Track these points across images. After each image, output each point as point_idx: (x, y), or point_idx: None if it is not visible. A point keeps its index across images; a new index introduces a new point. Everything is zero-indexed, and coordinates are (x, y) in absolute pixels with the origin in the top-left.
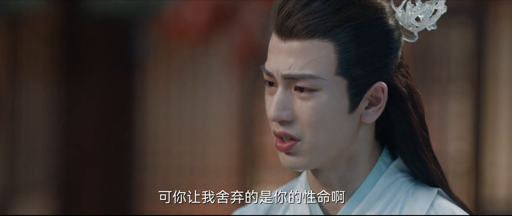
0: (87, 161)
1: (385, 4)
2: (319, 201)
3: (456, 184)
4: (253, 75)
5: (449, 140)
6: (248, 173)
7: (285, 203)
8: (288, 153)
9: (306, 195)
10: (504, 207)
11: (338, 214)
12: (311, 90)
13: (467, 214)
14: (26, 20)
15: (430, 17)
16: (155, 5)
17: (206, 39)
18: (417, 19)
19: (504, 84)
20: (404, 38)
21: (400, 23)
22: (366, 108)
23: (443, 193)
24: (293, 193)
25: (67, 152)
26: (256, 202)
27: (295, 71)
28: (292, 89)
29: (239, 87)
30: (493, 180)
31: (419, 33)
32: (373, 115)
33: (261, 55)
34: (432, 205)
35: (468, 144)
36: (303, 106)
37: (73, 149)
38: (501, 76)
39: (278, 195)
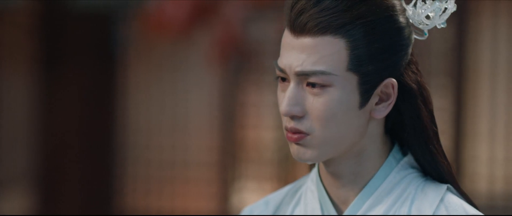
0: (68, 155)
1: (396, 2)
2: (329, 195)
3: None
4: (234, 69)
5: None
6: (229, 167)
7: (295, 199)
8: (298, 144)
9: (318, 190)
10: (485, 201)
11: (348, 207)
12: (322, 86)
13: (477, 210)
14: (7, 13)
15: (440, 15)
16: (136, 0)
17: (187, 34)
18: (427, 17)
19: (485, 78)
20: (414, 36)
21: (410, 20)
22: (377, 104)
23: (453, 189)
24: (303, 189)
25: (47, 146)
26: (266, 199)
27: (307, 67)
28: (304, 85)
29: (220, 81)
30: (474, 174)
31: None
32: (383, 110)
33: (242, 50)
34: (442, 200)
35: (449, 138)
36: (314, 102)
37: (53, 143)
38: (481, 70)
39: (288, 191)
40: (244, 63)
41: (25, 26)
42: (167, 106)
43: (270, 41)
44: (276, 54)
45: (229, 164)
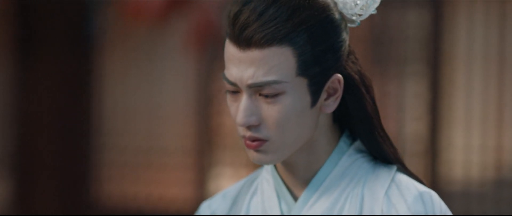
0: (43, 141)
1: (329, 1)
2: (285, 182)
3: (413, 164)
4: (210, 55)
5: (406, 120)
6: (205, 153)
7: (252, 189)
8: (257, 151)
9: (273, 179)
10: (460, 187)
11: (303, 192)
12: (275, 95)
13: (426, 187)
14: None
15: (371, 4)
16: None
17: (164, 20)
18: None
19: (461, 64)
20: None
21: (343, 13)
22: (325, 99)
23: (402, 169)
24: (259, 179)
25: (22, 131)
26: (223, 192)
27: (259, 79)
28: (257, 95)
29: (196, 67)
30: (450, 160)
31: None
32: (332, 105)
33: (219, 36)
34: (393, 180)
35: (425, 124)
36: (269, 110)
37: (28, 128)
38: (457, 56)
39: (244, 183)
40: (221, 50)
41: (0, 10)
42: (143, 92)
43: None
44: None
45: (205, 150)
